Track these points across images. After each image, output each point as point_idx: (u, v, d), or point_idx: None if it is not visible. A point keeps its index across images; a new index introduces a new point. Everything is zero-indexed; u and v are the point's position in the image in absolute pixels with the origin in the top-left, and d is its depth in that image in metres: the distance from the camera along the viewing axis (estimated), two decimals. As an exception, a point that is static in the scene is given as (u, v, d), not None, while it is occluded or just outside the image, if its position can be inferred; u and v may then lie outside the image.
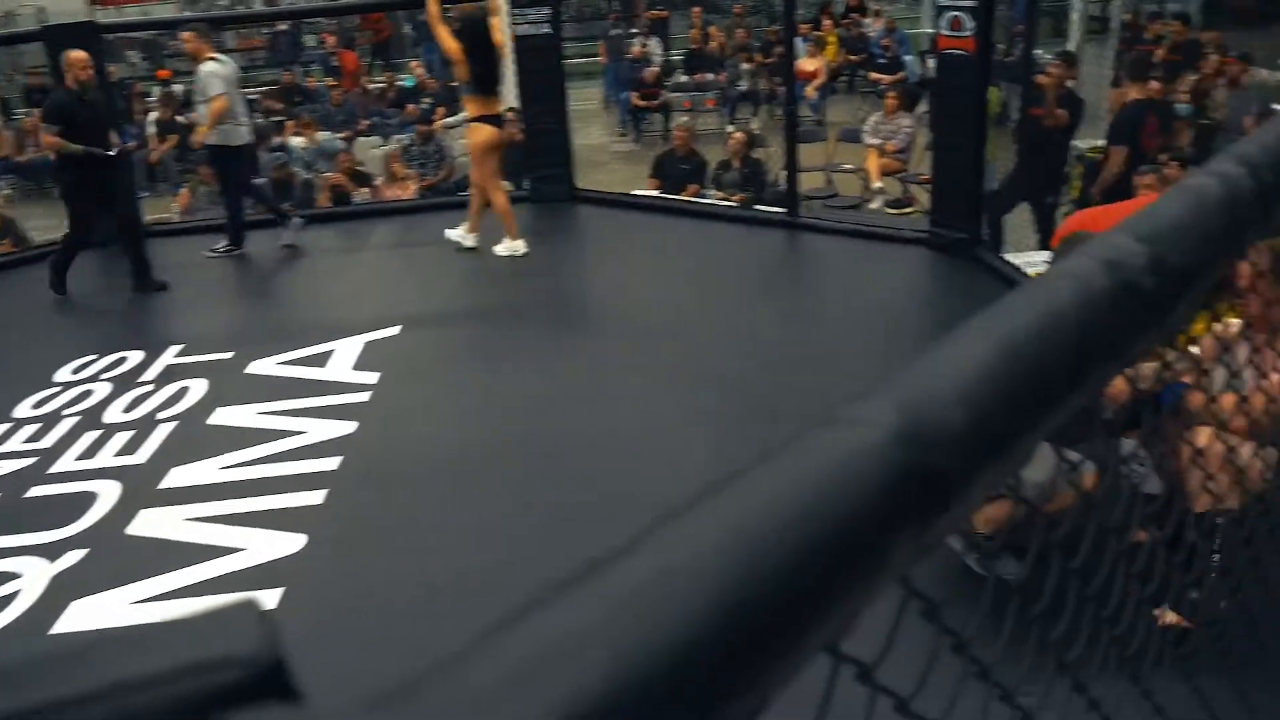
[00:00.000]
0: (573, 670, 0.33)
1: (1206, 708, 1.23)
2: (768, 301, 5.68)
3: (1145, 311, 0.65)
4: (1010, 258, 5.79)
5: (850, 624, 0.46)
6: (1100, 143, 7.04)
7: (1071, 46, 9.95)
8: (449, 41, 6.10)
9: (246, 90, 8.06)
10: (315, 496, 3.97)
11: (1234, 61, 8.48)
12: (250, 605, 0.33)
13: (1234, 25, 9.36)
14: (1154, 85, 6.94)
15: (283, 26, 15.16)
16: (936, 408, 0.47)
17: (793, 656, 0.40)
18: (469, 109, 6.31)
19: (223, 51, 7.79)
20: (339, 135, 10.36)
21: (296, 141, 9.91)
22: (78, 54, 6.11)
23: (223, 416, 4.71)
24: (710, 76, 13.04)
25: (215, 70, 6.49)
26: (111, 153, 6.18)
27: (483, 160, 6.31)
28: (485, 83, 6.19)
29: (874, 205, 8.73)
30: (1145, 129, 6.77)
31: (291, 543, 3.68)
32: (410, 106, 11.42)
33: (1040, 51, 7.43)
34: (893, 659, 0.57)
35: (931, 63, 6.70)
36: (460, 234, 6.61)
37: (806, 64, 11.15)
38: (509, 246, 6.48)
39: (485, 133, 6.23)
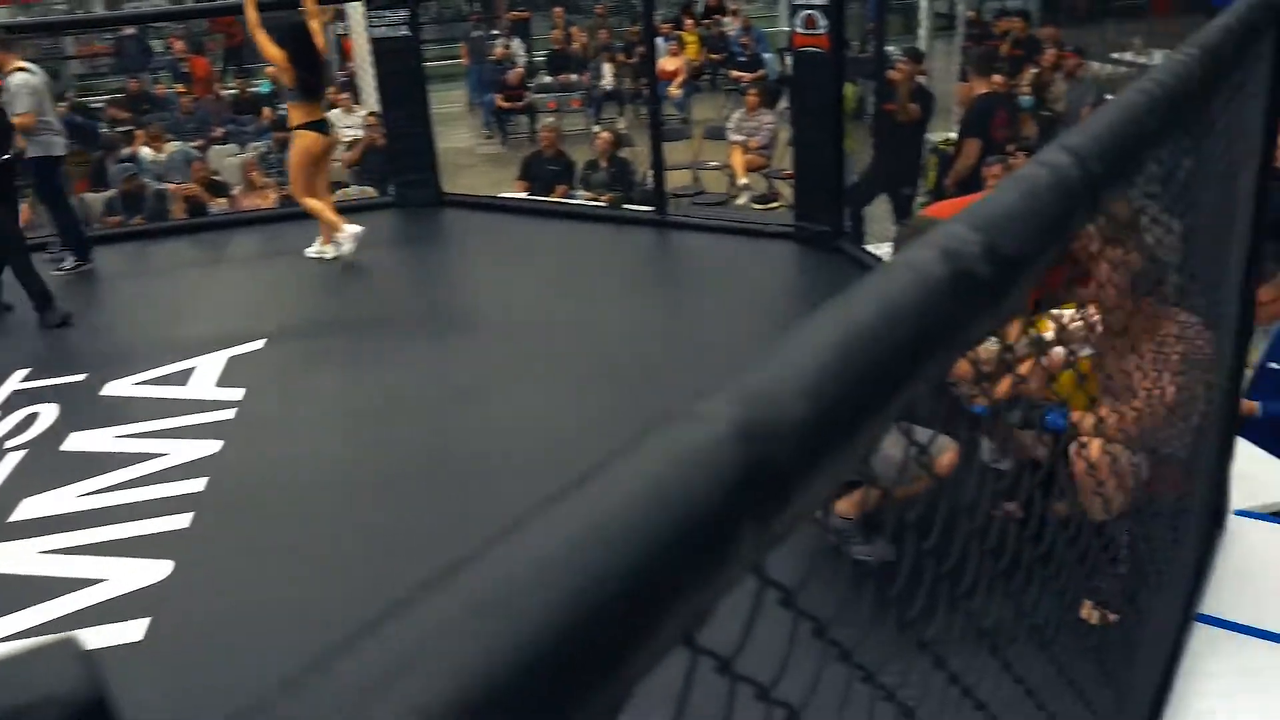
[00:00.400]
0: (423, 677, 0.33)
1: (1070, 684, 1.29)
2: (639, 299, 5.72)
3: (982, 298, 0.68)
4: (872, 248, 5.96)
5: (704, 617, 0.47)
6: (952, 135, 7.30)
7: (921, 43, 10.31)
8: (271, 49, 6.04)
9: (90, 99, 7.70)
10: (181, 520, 3.83)
11: (1071, 55, 8.92)
12: (69, 644, 0.31)
13: (1069, 21, 9.84)
14: (999, 79, 7.24)
15: (129, 31, 14.53)
16: (778, 401, 0.48)
17: (645, 651, 0.40)
18: (294, 116, 6.26)
19: (62, 59, 7.43)
20: (192, 144, 9.99)
21: (146, 153, 9.53)
22: None
23: (77, 442, 4.50)
24: (574, 77, 13.05)
25: (25, 81, 6.19)
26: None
27: (305, 166, 6.24)
28: (310, 89, 6.15)
29: (740, 201, 8.88)
30: (994, 121, 7.06)
31: (157, 570, 3.54)
32: (266, 111, 11.10)
33: (892, 48, 7.66)
34: (758, 647, 0.58)
35: (790, 60, 6.84)
36: (318, 248, 6.50)
37: (667, 63, 11.26)
38: (319, 249, 6.48)
39: (310, 139, 6.17)
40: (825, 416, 0.49)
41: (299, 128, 6.18)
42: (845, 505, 3.01)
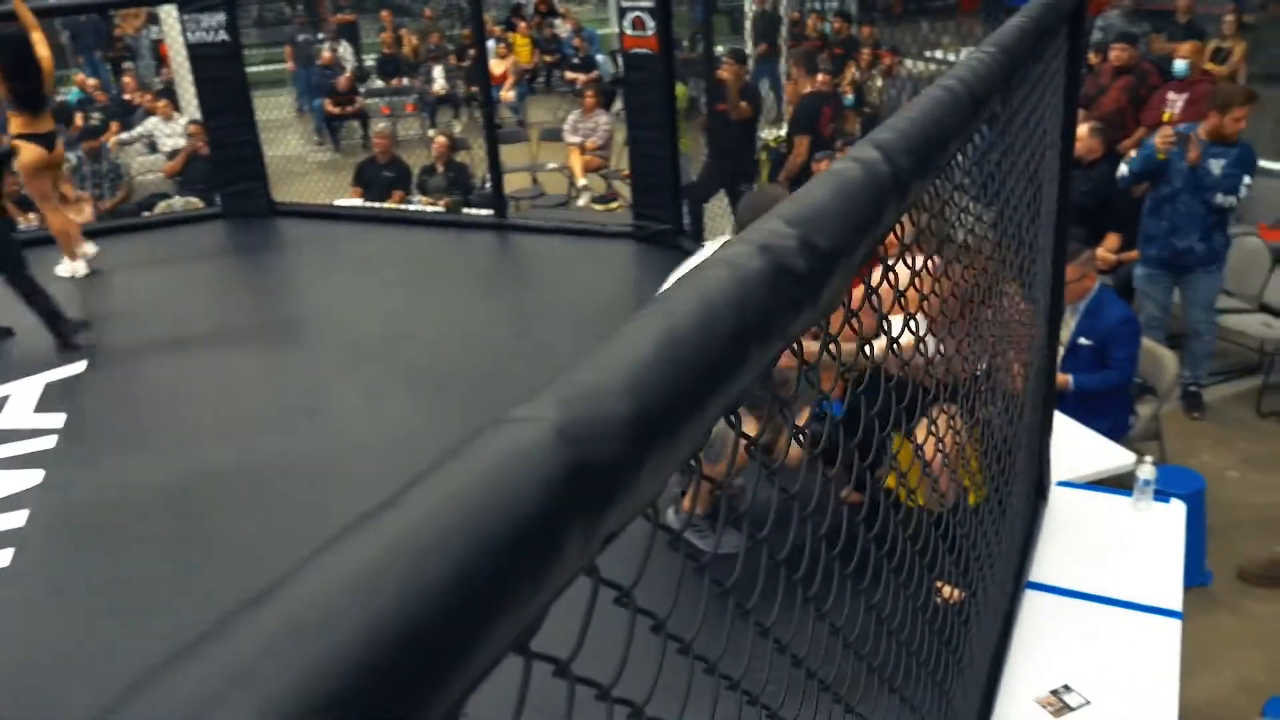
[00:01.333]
0: (242, 700, 0.32)
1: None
2: (482, 303, 5.66)
3: (799, 291, 0.70)
4: (710, 245, 6.07)
5: (537, 621, 0.47)
6: (781, 133, 7.51)
7: (746, 44, 10.56)
8: None
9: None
10: (1, 557, 3.59)
11: (887, 54, 9.30)
12: None
13: (885, 20, 10.25)
14: (823, 78, 7.48)
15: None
16: (599, 400, 0.48)
17: (473, 661, 0.40)
18: (13, 127, 5.98)
19: None
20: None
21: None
22: None
23: (-124, 482, 4.16)
24: (405, 81, 12.82)
25: None
26: None
27: (33, 181, 6.00)
28: (28, 100, 5.88)
29: (580, 202, 8.90)
30: (822, 118, 7.31)
31: (-25, 612, 3.31)
32: (78, 119, 10.50)
33: (720, 49, 7.81)
34: (598, 648, 0.58)
35: (621, 61, 6.90)
36: (67, 267, 6.26)
37: (494, 66, 11.17)
38: (70, 268, 6.27)
39: (33, 152, 5.91)
40: (647, 413, 0.50)
41: (19, 138, 5.91)
42: (687, 501, 3.06)
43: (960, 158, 1.33)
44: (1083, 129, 6.21)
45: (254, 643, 0.33)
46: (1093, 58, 7.76)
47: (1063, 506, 3.20)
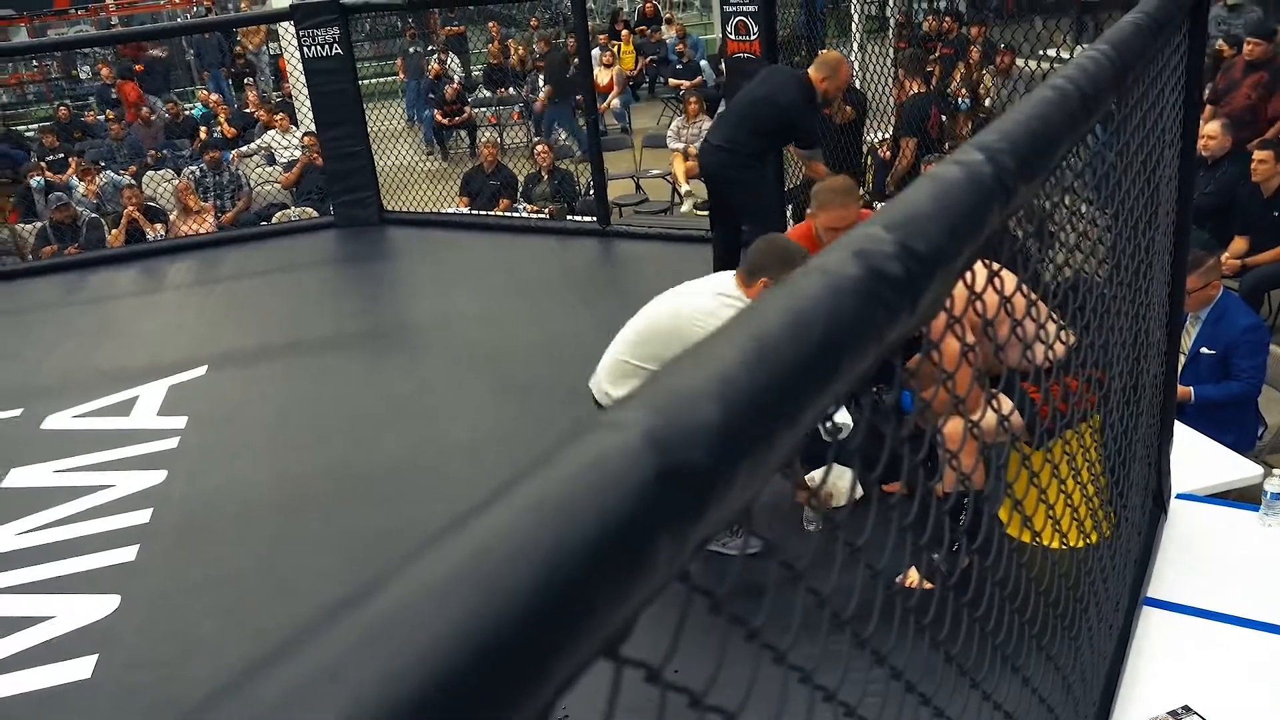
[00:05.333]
0: (331, 704, 0.33)
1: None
2: (585, 310, 5.71)
3: (896, 297, 0.69)
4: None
5: (627, 628, 0.47)
6: (886, 137, 7.40)
7: (854, 45, 10.43)
8: None
9: (20, 127, 7.54)
10: (127, 553, 3.76)
11: (1003, 52, 9.08)
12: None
13: (997, 19, 10.00)
14: (932, 78, 7.35)
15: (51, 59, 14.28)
16: (690, 407, 0.48)
17: (561, 666, 0.40)
18: None
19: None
20: (124, 171, 9.80)
21: (78, 185, 9.35)
22: None
23: (17, 478, 4.40)
24: (512, 91, 13.01)
25: None
26: None
27: None
28: None
29: (684, 208, 8.90)
30: (929, 121, 7.17)
31: (104, 605, 3.47)
32: (202, 133, 10.94)
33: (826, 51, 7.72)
34: (690, 654, 0.58)
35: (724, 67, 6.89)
36: None
37: (600, 76, 11.25)
38: None
39: None
40: (737, 420, 0.50)
41: None
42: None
43: (1072, 159, 1.29)
44: (1212, 126, 5.95)
45: (337, 647, 0.34)
46: (1224, 48, 7.45)
47: (1184, 520, 3.08)
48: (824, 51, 5.66)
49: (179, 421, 4.75)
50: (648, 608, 0.47)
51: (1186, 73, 2.41)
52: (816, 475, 2.99)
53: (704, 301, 3.11)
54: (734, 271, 3.23)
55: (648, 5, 15.70)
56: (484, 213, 8.09)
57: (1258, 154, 5.54)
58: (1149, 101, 1.87)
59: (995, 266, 1.14)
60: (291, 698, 0.33)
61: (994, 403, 1.10)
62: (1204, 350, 3.99)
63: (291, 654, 0.34)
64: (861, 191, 7.23)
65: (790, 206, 6.32)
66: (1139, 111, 1.77)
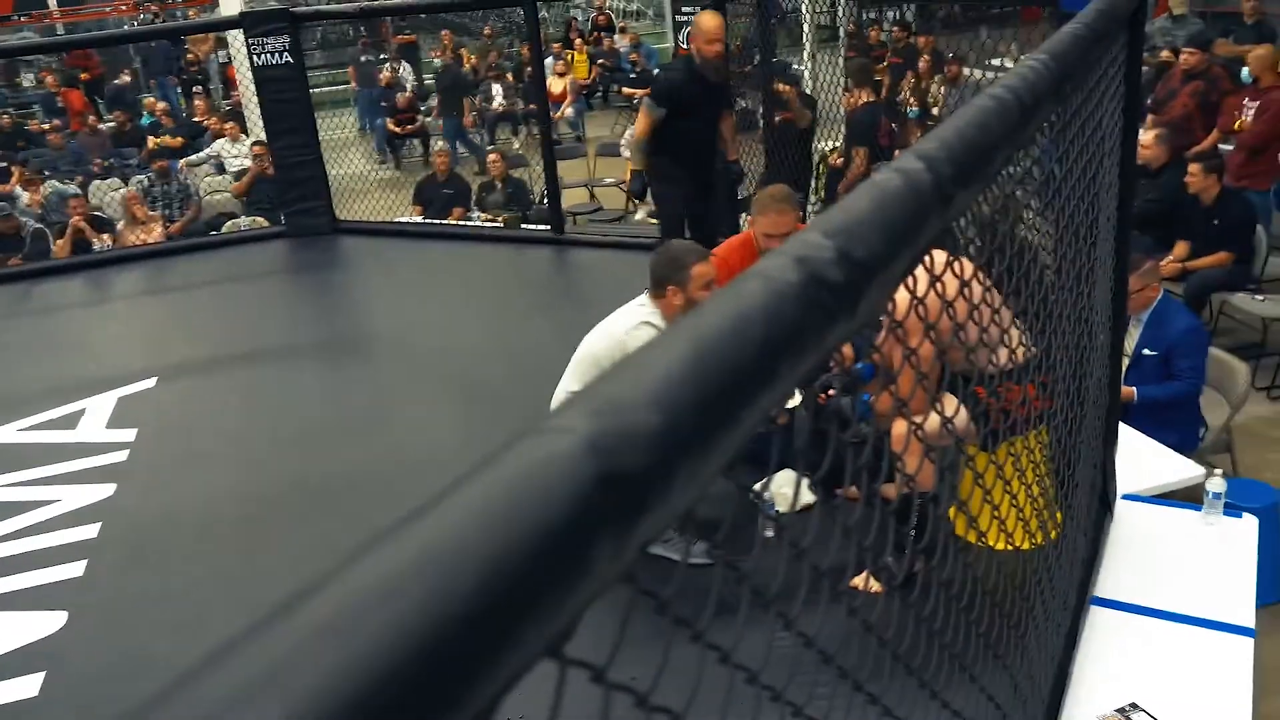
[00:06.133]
0: (269, 704, 0.33)
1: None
2: (541, 317, 5.70)
3: (835, 301, 0.70)
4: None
5: (570, 628, 0.48)
6: (837, 145, 7.47)
7: (806, 55, 10.54)
8: None
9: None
10: (74, 569, 3.69)
11: (955, 63, 9.21)
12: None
13: (945, 29, 10.16)
14: (882, 88, 7.44)
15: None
16: (629, 412, 0.49)
17: (503, 666, 0.41)
18: None
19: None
20: (71, 181, 9.65)
21: (22, 195, 9.19)
22: None
23: (-41, 494, 4.31)
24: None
25: None
26: None
27: None
28: None
29: (637, 216, 8.94)
30: (879, 129, 7.26)
31: (51, 622, 3.41)
32: (151, 142, 10.79)
33: (777, 59, 7.80)
34: (634, 655, 0.59)
35: (678, 75, 6.92)
36: None
37: (553, 84, 11.27)
38: None
39: None
40: (676, 424, 0.51)
41: None
42: None
43: (1011, 167, 1.32)
44: (1149, 136, 6.09)
45: (281, 646, 0.35)
46: (1166, 55, 7.61)
47: (1129, 521, 3.14)
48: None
49: (128, 434, 4.67)
50: (589, 608, 0.48)
51: (1126, 82, 2.46)
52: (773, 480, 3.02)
53: (631, 315, 3.32)
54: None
55: (600, 16, 15.75)
56: (438, 221, 8.07)
57: (1191, 167, 5.69)
58: (1088, 110, 1.91)
59: (968, 271, 1.16)
60: (237, 697, 0.33)
61: (937, 405, 1.12)
62: (1146, 351, 4.08)
63: (236, 653, 0.35)
64: (813, 199, 7.31)
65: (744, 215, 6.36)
66: (1079, 119, 1.81)
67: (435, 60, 14.27)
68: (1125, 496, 3.22)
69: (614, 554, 0.47)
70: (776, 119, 6.74)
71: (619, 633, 0.57)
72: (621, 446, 0.47)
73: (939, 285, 1.08)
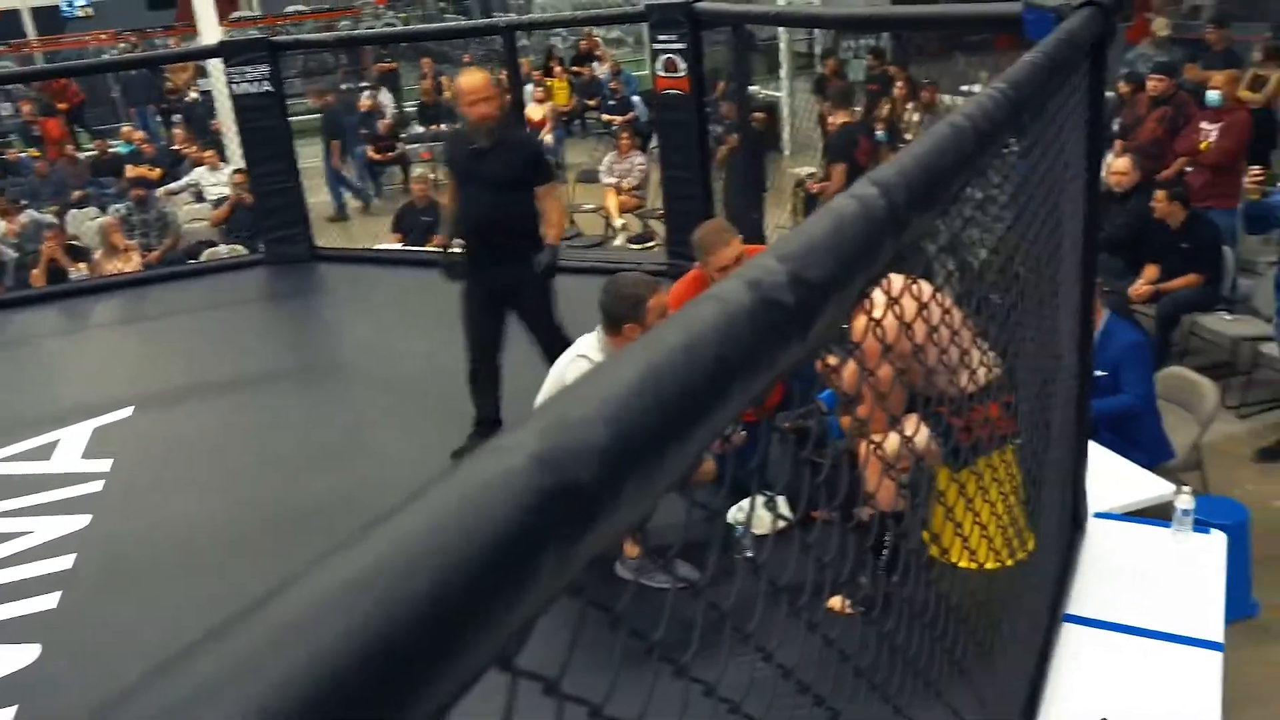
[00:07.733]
0: (221, 709, 0.35)
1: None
2: (520, 345, 5.71)
3: (788, 324, 0.73)
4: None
5: (520, 639, 0.50)
6: (814, 170, 7.55)
7: (783, 82, 10.67)
8: None
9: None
10: (48, 601, 3.67)
11: (929, 89, 9.36)
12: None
13: (921, 57, 10.30)
14: (858, 110, 7.53)
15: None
16: (578, 428, 0.51)
17: (451, 675, 0.43)
18: None
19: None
20: (48, 209, 9.61)
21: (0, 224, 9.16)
22: None
23: (-68, 526, 4.27)
24: (444, 127, 13.02)
25: None
26: None
27: None
28: None
29: (617, 242, 8.99)
30: (859, 148, 7.34)
31: (24, 655, 3.39)
32: (130, 169, 10.77)
33: (755, 87, 7.89)
34: (588, 665, 0.60)
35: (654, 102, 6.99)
36: None
37: (533, 112, 11.34)
38: None
39: None
40: (624, 441, 0.53)
41: None
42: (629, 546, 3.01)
43: (971, 191, 1.35)
44: (1121, 161, 6.18)
45: (239, 650, 0.37)
46: (1123, 88, 7.74)
47: (1100, 538, 3.17)
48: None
49: (104, 464, 4.65)
50: (539, 619, 0.50)
51: (1089, 109, 2.52)
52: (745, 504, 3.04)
53: (579, 345, 3.50)
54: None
55: (582, 43, 15.85)
56: (417, 248, 8.08)
57: (1157, 193, 5.79)
58: (1049, 136, 1.96)
59: (926, 293, 1.19)
60: (197, 698, 0.35)
61: (898, 425, 1.14)
62: (1097, 373, 4.15)
63: (197, 656, 0.36)
64: (790, 223, 7.36)
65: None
66: (1040, 146, 1.85)
67: (414, 87, 14.31)
68: (1097, 515, 3.26)
69: (559, 566, 0.49)
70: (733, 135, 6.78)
71: (569, 645, 0.58)
72: (569, 461, 0.49)
73: (896, 308, 1.10)
